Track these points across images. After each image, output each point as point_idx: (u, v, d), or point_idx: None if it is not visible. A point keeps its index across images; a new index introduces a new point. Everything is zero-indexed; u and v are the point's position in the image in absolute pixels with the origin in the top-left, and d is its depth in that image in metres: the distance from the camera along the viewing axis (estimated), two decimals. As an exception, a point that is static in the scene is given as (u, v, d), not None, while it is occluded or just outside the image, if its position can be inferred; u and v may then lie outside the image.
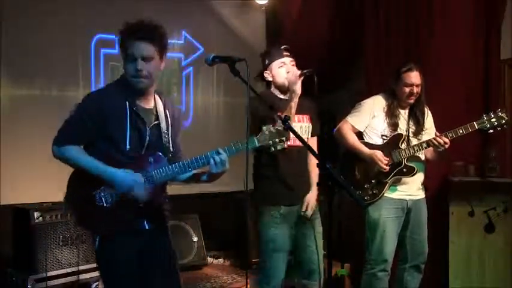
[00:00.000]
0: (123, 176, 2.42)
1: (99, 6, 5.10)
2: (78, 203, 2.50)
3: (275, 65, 3.18)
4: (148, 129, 2.52)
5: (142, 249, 2.52)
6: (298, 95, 3.05)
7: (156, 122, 2.55)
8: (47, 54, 4.87)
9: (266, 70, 3.22)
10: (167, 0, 5.41)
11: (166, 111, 2.62)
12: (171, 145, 2.60)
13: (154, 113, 2.57)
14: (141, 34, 2.43)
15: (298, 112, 3.11)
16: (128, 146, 2.45)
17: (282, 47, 3.24)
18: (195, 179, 2.64)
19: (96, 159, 2.43)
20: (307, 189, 3.25)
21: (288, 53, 3.21)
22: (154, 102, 2.59)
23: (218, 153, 2.47)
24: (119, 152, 2.45)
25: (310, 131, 3.29)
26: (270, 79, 3.22)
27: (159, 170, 2.48)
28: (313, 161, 3.25)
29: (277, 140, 2.52)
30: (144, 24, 2.46)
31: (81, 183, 2.47)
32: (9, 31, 4.68)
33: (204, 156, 2.49)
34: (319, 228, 3.27)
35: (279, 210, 3.11)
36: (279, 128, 2.52)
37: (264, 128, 2.53)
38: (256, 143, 2.53)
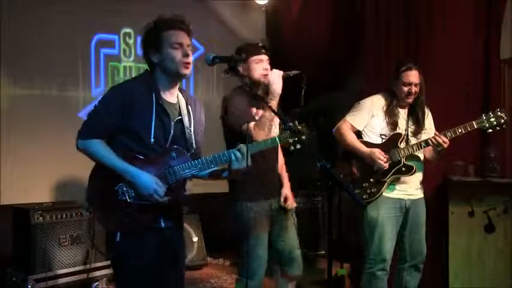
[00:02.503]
0: (146, 179, 2.39)
1: (99, 6, 5.11)
2: (100, 200, 2.46)
3: (252, 60, 3.18)
4: (172, 123, 2.51)
5: (158, 248, 2.50)
6: (279, 95, 3.04)
7: (179, 117, 2.55)
8: (47, 54, 4.87)
9: (243, 64, 3.19)
10: (167, 0, 5.41)
11: (189, 107, 2.61)
12: (194, 141, 2.58)
13: (178, 108, 2.57)
14: (184, 25, 2.51)
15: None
16: (152, 139, 2.43)
17: (260, 44, 3.28)
18: (217, 175, 2.65)
19: (120, 157, 2.41)
20: (280, 183, 3.36)
21: (265, 51, 3.22)
22: (177, 98, 2.59)
23: (239, 149, 2.49)
24: (142, 145, 2.43)
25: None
26: (245, 73, 3.20)
27: (182, 166, 2.47)
28: (280, 158, 3.41)
29: (296, 139, 2.55)
30: (182, 18, 2.54)
31: (103, 179, 2.44)
32: (9, 31, 4.68)
33: (226, 153, 2.50)
34: (293, 221, 3.37)
35: (260, 206, 3.18)
36: (299, 128, 2.54)
37: (284, 127, 2.57)
38: (278, 141, 2.58)
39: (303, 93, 3.09)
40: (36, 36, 4.81)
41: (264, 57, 3.20)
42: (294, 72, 3.07)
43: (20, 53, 4.74)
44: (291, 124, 2.55)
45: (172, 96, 2.57)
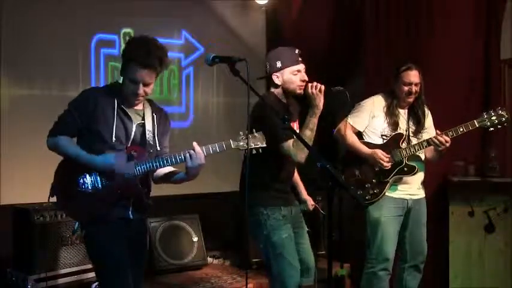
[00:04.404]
0: (103, 157, 2.61)
1: (99, 6, 5.10)
2: (62, 189, 2.67)
3: (289, 70, 3.08)
4: (134, 125, 2.71)
5: (127, 237, 2.68)
6: (320, 111, 2.97)
7: (142, 121, 2.74)
8: (47, 54, 4.86)
9: (277, 72, 3.10)
10: (167, 0, 5.41)
11: (154, 114, 2.80)
12: (156, 143, 2.76)
13: (141, 114, 2.76)
14: (148, 61, 2.58)
15: (293, 119, 3.16)
16: (113, 139, 2.63)
17: (297, 52, 3.11)
18: (169, 177, 2.78)
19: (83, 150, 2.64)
20: (295, 190, 3.39)
21: (301, 59, 3.11)
22: (143, 106, 2.78)
23: (193, 148, 2.61)
24: (105, 144, 2.63)
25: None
26: (279, 83, 3.11)
27: (140, 163, 2.64)
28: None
29: (252, 145, 2.63)
30: (151, 51, 2.59)
31: (67, 170, 2.66)
32: (9, 31, 4.67)
33: (181, 153, 2.63)
34: (305, 227, 3.37)
35: (280, 212, 3.12)
36: (255, 134, 2.63)
37: (241, 132, 2.64)
38: (232, 145, 2.64)
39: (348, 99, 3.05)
40: (36, 36, 4.80)
41: (302, 67, 3.09)
42: (338, 88, 3.03)
43: (20, 53, 4.73)
44: (257, 133, 2.65)
45: (137, 105, 2.75)
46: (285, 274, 3.05)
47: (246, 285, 3.07)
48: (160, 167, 2.69)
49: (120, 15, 5.22)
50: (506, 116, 3.40)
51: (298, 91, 3.07)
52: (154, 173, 2.81)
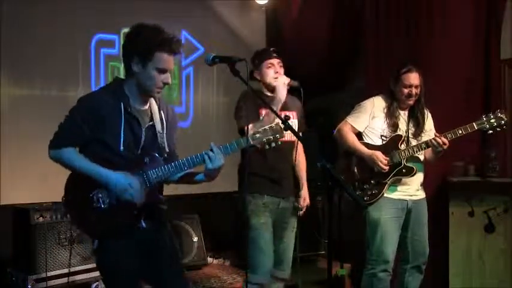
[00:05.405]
0: (117, 178, 2.42)
1: (99, 6, 5.10)
2: (76, 206, 2.50)
3: (264, 65, 3.33)
4: (143, 130, 2.53)
5: (142, 248, 2.53)
6: (282, 102, 3.19)
7: (150, 123, 2.56)
8: (47, 54, 4.87)
9: (256, 70, 3.37)
10: (167, 0, 5.42)
11: (161, 112, 2.63)
12: (166, 145, 2.60)
13: (149, 114, 2.58)
14: (175, 47, 2.46)
15: (285, 109, 3.24)
16: (121, 147, 2.45)
17: (271, 49, 3.40)
18: (189, 177, 2.65)
19: (91, 162, 2.44)
20: (292, 185, 3.40)
21: (276, 55, 3.34)
22: (149, 104, 2.60)
23: (211, 149, 2.50)
24: (113, 153, 2.45)
25: (297, 126, 3.38)
26: (259, 78, 3.36)
27: (155, 170, 2.48)
28: (302, 160, 3.48)
29: (271, 137, 2.55)
30: (172, 36, 2.47)
31: (78, 186, 2.48)
32: (9, 31, 4.68)
33: (199, 155, 2.51)
34: (295, 224, 3.42)
35: (262, 199, 3.24)
36: (273, 126, 2.55)
37: (258, 125, 2.60)
38: (251, 141, 2.56)
39: (302, 96, 3.24)
40: (36, 36, 4.81)
41: (275, 61, 3.33)
42: (296, 83, 3.24)
43: (20, 53, 4.74)
44: (273, 126, 2.60)
45: (144, 102, 2.57)
46: (255, 258, 3.20)
47: (246, 285, 3.06)
48: (178, 172, 2.52)
49: (120, 15, 5.22)
50: (506, 119, 3.40)
51: (274, 83, 3.26)
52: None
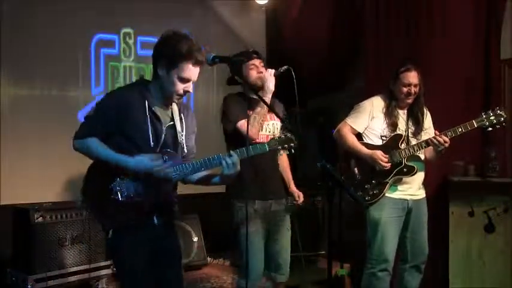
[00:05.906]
0: (139, 159, 2.49)
1: (99, 6, 5.11)
2: (94, 196, 2.57)
3: (246, 66, 3.27)
4: (164, 128, 2.61)
5: (151, 243, 2.60)
6: (272, 92, 3.15)
7: (171, 123, 2.65)
8: (47, 54, 4.87)
9: (237, 75, 3.29)
10: (167, 0, 5.41)
11: (181, 114, 2.71)
12: (185, 146, 2.68)
13: (170, 115, 2.66)
14: (202, 59, 2.55)
15: (273, 111, 3.18)
16: (152, 143, 2.54)
17: (251, 50, 3.37)
18: (207, 180, 2.71)
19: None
20: (280, 185, 3.40)
21: (256, 55, 3.31)
22: (170, 105, 2.68)
23: (230, 155, 2.55)
24: (135, 148, 2.52)
25: (279, 128, 3.36)
26: (241, 81, 3.28)
27: (174, 168, 2.54)
28: (283, 159, 3.50)
29: (286, 146, 2.65)
30: (200, 48, 2.56)
31: (98, 176, 2.55)
32: (9, 31, 4.68)
33: (216, 157, 2.56)
34: (288, 225, 3.40)
35: (253, 206, 3.20)
36: (288, 135, 2.65)
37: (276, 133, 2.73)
38: (267, 148, 2.66)
39: (294, 77, 3.12)
40: (36, 36, 4.81)
41: (257, 62, 3.29)
42: (283, 68, 3.16)
43: (20, 53, 4.74)
44: (287, 134, 2.69)
45: (165, 104, 2.65)
46: (247, 264, 3.15)
47: (246, 285, 3.06)
48: (194, 172, 2.59)
49: (120, 15, 5.23)
50: (505, 115, 3.40)
51: (258, 82, 3.21)
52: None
